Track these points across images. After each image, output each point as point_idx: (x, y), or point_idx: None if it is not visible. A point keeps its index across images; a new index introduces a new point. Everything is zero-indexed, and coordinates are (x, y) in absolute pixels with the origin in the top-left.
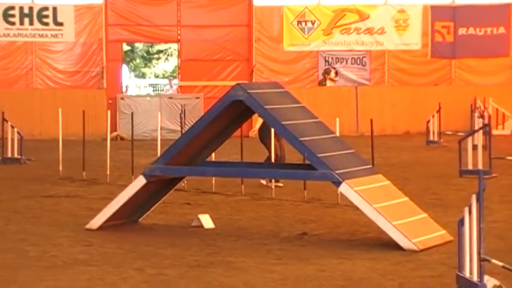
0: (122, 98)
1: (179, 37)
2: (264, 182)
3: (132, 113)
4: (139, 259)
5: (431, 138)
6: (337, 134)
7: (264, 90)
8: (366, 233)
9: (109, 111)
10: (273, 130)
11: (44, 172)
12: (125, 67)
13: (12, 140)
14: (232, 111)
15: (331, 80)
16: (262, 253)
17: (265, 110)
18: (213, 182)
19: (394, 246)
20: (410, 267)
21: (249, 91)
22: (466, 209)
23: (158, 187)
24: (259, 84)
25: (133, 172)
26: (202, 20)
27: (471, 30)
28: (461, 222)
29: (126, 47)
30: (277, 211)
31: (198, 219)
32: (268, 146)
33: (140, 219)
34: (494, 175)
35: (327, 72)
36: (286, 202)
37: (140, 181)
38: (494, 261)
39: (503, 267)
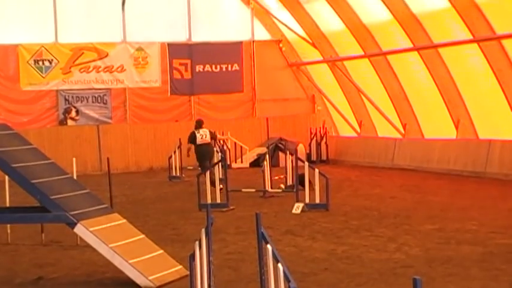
0: None
1: None
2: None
3: None
4: None
5: (174, 174)
6: (75, 173)
7: None
8: (104, 273)
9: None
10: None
11: None
12: None
13: None
14: None
15: (72, 119)
16: None
17: None
18: None
19: (131, 284)
20: None
21: None
22: (197, 243)
23: None
24: None
25: None
26: None
27: (207, 68)
28: (192, 256)
29: None
30: (12, 256)
31: None
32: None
33: None
34: (231, 207)
35: (67, 111)
36: (22, 246)
37: None
38: None
39: None
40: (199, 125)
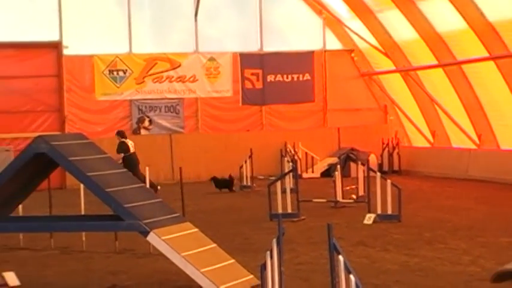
0: None
1: None
2: None
3: None
4: None
5: (245, 183)
6: (148, 182)
7: (68, 141)
8: (176, 281)
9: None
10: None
11: None
12: None
13: None
14: (36, 164)
15: (145, 128)
16: None
17: (69, 161)
18: (21, 237)
19: None
20: None
21: (51, 143)
22: (268, 253)
23: None
24: (63, 135)
25: None
26: (9, 70)
27: (279, 77)
28: (263, 266)
29: None
30: (87, 264)
31: (2, 277)
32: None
33: None
34: (302, 217)
35: (140, 120)
36: (97, 254)
37: None
38: None
39: None
40: (124, 135)
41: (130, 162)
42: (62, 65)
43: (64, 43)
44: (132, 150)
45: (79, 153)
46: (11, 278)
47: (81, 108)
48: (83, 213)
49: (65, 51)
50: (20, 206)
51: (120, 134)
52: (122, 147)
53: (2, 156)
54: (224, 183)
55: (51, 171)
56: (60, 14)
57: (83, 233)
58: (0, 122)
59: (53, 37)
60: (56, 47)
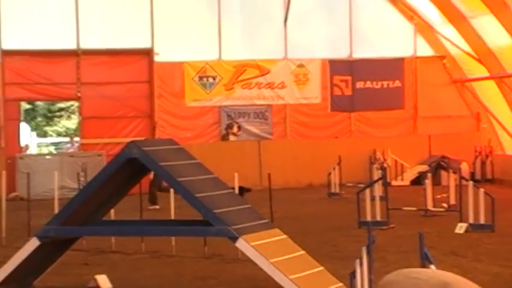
0: (21, 158)
1: (79, 94)
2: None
3: (28, 173)
4: None
5: (333, 190)
6: (237, 188)
7: (159, 147)
8: None
9: (4, 172)
10: None
11: None
12: (25, 126)
13: None
14: (128, 169)
15: (234, 134)
16: None
17: (160, 167)
18: (113, 240)
19: None
20: None
21: (143, 148)
22: (357, 261)
23: (53, 248)
24: (154, 141)
25: (30, 233)
26: (102, 77)
27: (368, 84)
28: (353, 274)
29: (26, 106)
30: (177, 268)
31: (95, 279)
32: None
33: (35, 282)
34: (391, 226)
35: (229, 126)
36: (186, 259)
37: (33, 243)
38: None
39: None
40: None
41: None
42: (153, 71)
43: (155, 50)
44: None
45: (170, 158)
46: (103, 280)
47: (171, 114)
48: (172, 217)
49: (156, 58)
50: (112, 210)
51: None
52: None
53: (95, 161)
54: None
55: (143, 176)
56: (152, 21)
57: (173, 238)
58: (93, 127)
59: (145, 44)
60: (147, 53)
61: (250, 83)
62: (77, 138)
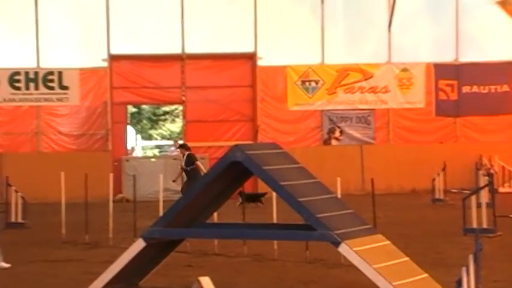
0: (127, 160)
1: (183, 98)
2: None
3: (134, 175)
4: None
5: (437, 196)
6: (339, 193)
7: (263, 151)
8: None
9: (111, 174)
10: None
11: (47, 236)
12: (131, 129)
13: (16, 204)
14: (232, 172)
15: (336, 139)
16: None
17: (263, 170)
18: (215, 243)
19: None
20: None
21: (247, 152)
22: (464, 269)
23: (158, 249)
24: (257, 145)
25: (136, 234)
26: (206, 81)
27: (475, 88)
28: (458, 282)
29: (132, 109)
30: (279, 272)
31: (198, 281)
32: None
33: (141, 283)
34: (498, 233)
35: (331, 131)
36: (288, 263)
37: (139, 244)
38: None
39: None
40: (189, 147)
41: (197, 174)
42: (256, 75)
43: (258, 54)
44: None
45: (273, 162)
46: (206, 283)
47: (274, 118)
48: (275, 221)
49: (259, 62)
50: (215, 213)
51: (185, 146)
52: (192, 159)
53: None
54: (254, 197)
55: (246, 180)
56: (255, 25)
57: (275, 241)
58: (197, 131)
59: (248, 48)
60: (250, 58)
61: (353, 87)
62: (180, 142)
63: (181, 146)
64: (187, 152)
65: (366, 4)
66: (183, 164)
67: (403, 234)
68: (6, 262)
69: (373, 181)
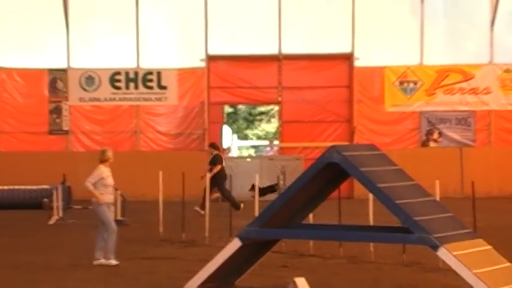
0: None
1: (280, 99)
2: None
3: (230, 175)
4: None
5: None
6: (437, 196)
7: (360, 152)
8: None
9: (208, 173)
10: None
11: (145, 234)
12: (227, 129)
13: (116, 202)
14: (328, 173)
15: (435, 141)
16: None
17: (360, 172)
18: (311, 244)
19: None
20: None
21: (343, 153)
22: None
23: (254, 249)
24: (354, 146)
25: (232, 234)
26: (302, 81)
27: None
28: None
29: (228, 109)
30: (375, 275)
31: (294, 282)
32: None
33: (236, 282)
34: None
35: (430, 133)
36: (385, 265)
37: (235, 244)
38: None
39: None
40: (218, 147)
41: (222, 175)
42: (353, 76)
43: (356, 54)
44: (224, 163)
45: (370, 164)
46: (302, 283)
47: (370, 119)
48: (371, 223)
49: (356, 63)
50: (310, 214)
51: (214, 146)
52: (217, 160)
53: (293, 164)
54: (268, 189)
55: (342, 181)
56: (353, 25)
57: (371, 244)
58: (292, 131)
59: (345, 49)
60: (347, 58)
61: (453, 88)
62: (276, 142)
63: (210, 145)
64: (215, 152)
65: (467, 2)
66: (208, 162)
67: (504, 239)
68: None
69: (473, 184)
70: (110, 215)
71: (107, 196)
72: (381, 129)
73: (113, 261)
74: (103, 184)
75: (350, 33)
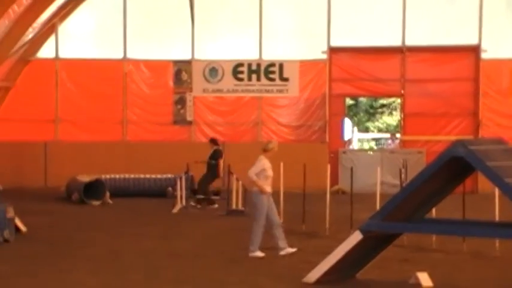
0: (344, 152)
1: (402, 91)
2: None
3: (351, 168)
4: None
5: None
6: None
7: (486, 146)
8: None
9: (329, 165)
10: None
11: (265, 224)
12: (348, 121)
13: (237, 192)
14: (452, 168)
15: None
16: None
17: (487, 166)
18: (433, 238)
19: None
20: None
21: (469, 147)
22: None
23: (376, 242)
24: (480, 140)
25: (352, 226)
26: (426, 74)
27: None
28: None
29: (349, 102)
30: (501, 271)
31: (416, 276)
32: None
33: (357, 275)
34: None
35: None
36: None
37: (356, 236)
38: None
39: None
40: (218, 142)
41: (216, 171)
42: (479, 68)
43: (483, 47)
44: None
45: (497, 158)
46: (424, 278)
47: (497, 113)
48: (496, 219)
49: (483, 55)
50: (433, 209)
51: (214, 141)
52: (217, 155)
53: (415, 158)
54: None
55: (467, 176)
56: (480, 17)
57: (496, 240)
58: (414, 124)
59: (472, 41)
60: (474, 50)
61: None
62: (397, 135)
63: (210, 141)
64: (215, 147)
65: None
66: (208, 157)
67: None
68: (226, 247)
69: None
70: (273, 206)
71: (267, 187)
72: (508, 123)
73: (290, 249)
74: (265, 176)
75: (477, 25)
